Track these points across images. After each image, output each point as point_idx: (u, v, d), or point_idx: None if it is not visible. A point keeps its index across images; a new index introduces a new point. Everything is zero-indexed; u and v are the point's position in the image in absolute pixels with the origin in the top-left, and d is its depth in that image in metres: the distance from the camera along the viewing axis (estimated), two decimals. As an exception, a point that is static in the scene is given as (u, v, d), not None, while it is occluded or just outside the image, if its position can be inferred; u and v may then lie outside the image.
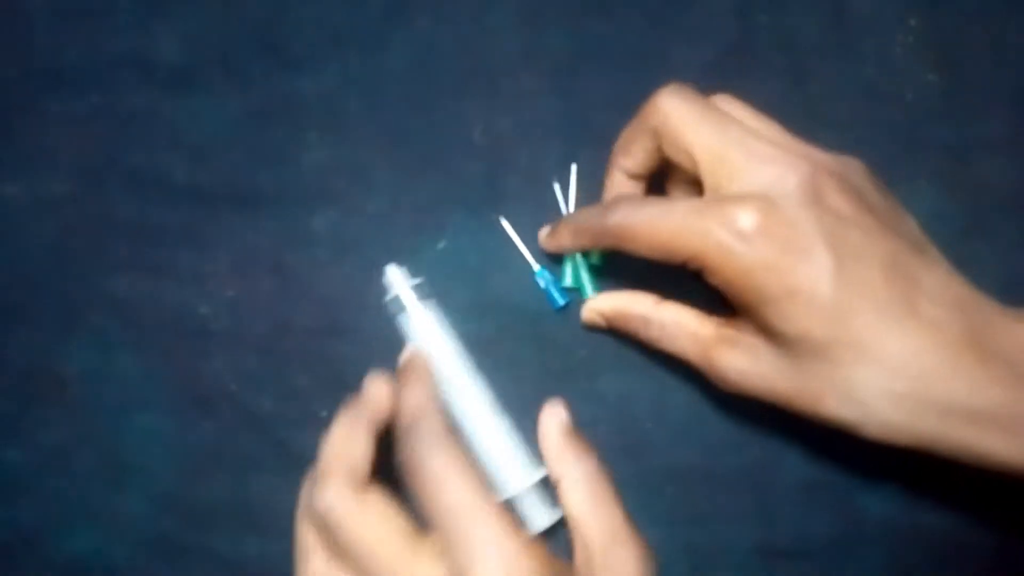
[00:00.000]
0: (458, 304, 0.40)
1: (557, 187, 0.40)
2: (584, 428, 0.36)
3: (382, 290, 0.39)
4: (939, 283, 0.32)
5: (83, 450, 0.41)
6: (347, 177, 0.42)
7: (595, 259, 0.40)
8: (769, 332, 0.33)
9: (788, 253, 0.31)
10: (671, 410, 0.39)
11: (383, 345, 0.40)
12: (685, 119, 0.34)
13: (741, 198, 0.32)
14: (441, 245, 0.41)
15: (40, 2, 0.44)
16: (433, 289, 0.39)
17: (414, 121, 0.42)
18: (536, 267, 0.40)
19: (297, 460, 0.40)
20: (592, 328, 0.39)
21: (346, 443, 0.34)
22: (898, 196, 0.34)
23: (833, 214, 0.31)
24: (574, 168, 0.40)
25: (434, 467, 0.32)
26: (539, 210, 0.41)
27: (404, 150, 0.42)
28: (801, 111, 0.41)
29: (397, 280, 0.39)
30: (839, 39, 0.42)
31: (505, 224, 0.40)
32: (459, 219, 0.41)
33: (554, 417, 0.36)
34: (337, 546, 0.32)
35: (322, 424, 0.40)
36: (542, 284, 0.40)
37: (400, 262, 0.40)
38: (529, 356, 0.40)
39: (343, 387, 0.40)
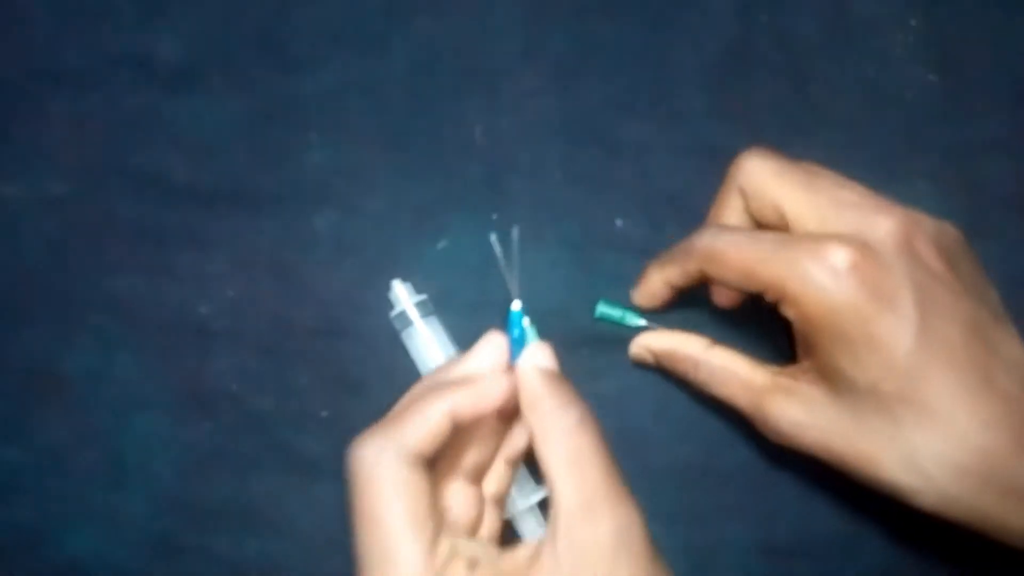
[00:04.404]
0: (458, 304, 0.40)
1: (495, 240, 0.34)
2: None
3: (383, 292, 0.39)
4: (1016, 357, 0.31)
5: (83, 450, 0.41)
6: (347, 177, 0.42)
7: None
8: (834, 379, 0.32)
9: (876, 299, 0.30)
10: (671, 408, 0.39)
11: (383, 345, 0.40)
12: (769, 174, 0.33)
13: (837, 236, 0.31)
14: (441, 245, 0.41)
15: (40, 2, 0.44)
16: (433, 289, 0.39)
17: (414, 121, 0.42)
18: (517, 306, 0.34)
19: (297, 460, 0.40)
20: (638, 363, 0.39)
21: (422, 411, 0.31)
22: (897, 196, 0.34)
23: (924, 269, 0.31)
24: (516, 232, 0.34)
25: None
26: (539, 210, 0.41)
27: (404, 150, 0.42)
28: (801, 111, 0.41)
29: (402, 296, 0.39)
30: (839, 39, 0.42)
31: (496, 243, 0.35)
32: (459, 219, 0.41)
33: (532, 359, 0.32)
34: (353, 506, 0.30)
35: (322, 424, 0.40)
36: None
37: (400, 262, 0.40)
38: (529, 356, 0.40)
39: (343, 387, 0.40)
